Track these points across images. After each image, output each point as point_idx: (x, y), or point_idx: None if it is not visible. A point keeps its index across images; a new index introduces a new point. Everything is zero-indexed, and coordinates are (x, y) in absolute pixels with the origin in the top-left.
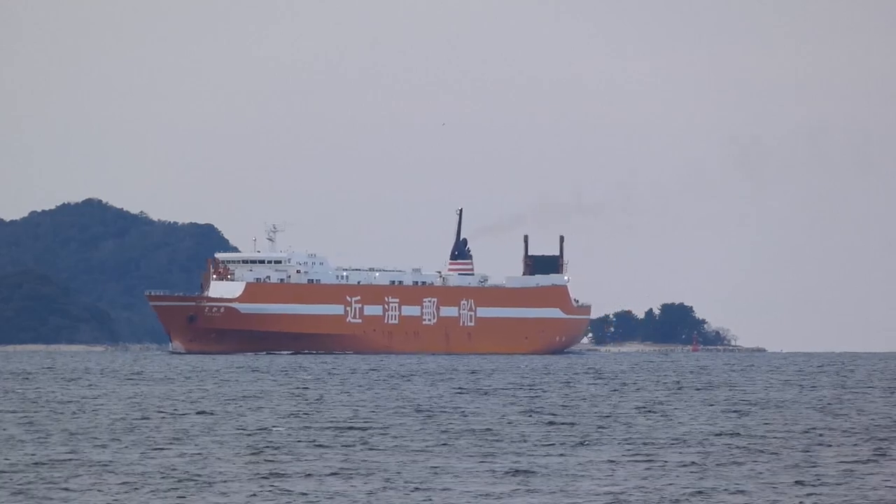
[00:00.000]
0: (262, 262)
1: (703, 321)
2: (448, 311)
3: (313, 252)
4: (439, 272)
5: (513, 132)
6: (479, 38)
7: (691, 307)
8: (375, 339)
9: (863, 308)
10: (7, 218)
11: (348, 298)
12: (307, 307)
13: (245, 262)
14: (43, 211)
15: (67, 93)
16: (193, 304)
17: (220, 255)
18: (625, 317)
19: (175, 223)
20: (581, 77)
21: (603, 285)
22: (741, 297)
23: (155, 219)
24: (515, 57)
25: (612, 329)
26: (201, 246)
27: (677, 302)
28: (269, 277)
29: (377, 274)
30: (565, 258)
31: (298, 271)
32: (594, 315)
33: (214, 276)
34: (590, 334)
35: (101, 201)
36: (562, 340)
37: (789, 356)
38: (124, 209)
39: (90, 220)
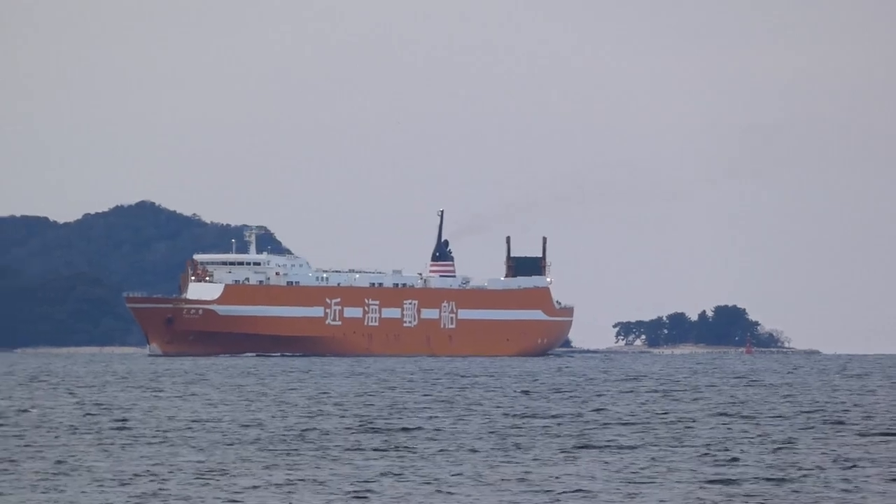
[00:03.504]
0: (241, 263)
1: (757, 323)
2: (429, 314)
3: (292, 254)
4: (420, 274)
5: (498, 130)
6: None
7: (744, 309)
8: (355, 342)
9: None
10: (61, 220)
11: (328, 300)
12: (286, 309)
13: (224, 263)
14: (96, 213)
15: (121, 95)
16: (171, 305)
17: (198, 257)
18: (678, 318)
19: (228, 225)
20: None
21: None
22: (795, 299)
23: (208, 221)
24: (499, 52)
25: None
26: (259, 249)
27: (731, 304)
28: (248, 279)
29: (357, 276)
30: (548, 260)
31: (278, 273)
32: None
33: (193, 278)
34: (643, 336)
35: (154, 203)
36: (544, 343)
37: (847, 358)
38: (177, 211)
39: (143, 223)
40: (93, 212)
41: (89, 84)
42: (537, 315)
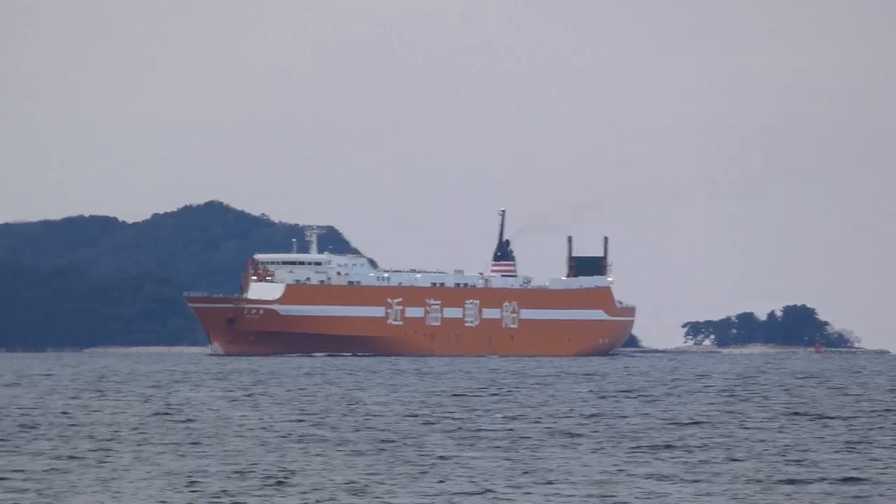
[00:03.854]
0: (301, 263)
1: (826, 323)
2: (490, 314)
3: (360, 254)
4: (482, 274)
5: (560, 130)
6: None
7: (814, 309)
8: (417, 342)
9: None
10: (129, 220)
11: (389, 300)
12: (347, 309)
13: (285, 263)
14: (165, 213)
15: (190, 96)
16: (232, 305)
17: (259, 257)
18: (746, 318)
19: (296, 225)
20: (630, 73)
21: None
22: (865, 298)
23: (276, 221)
24: (561, 52)
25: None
26: (323, 248)
27: (800, 304)
28: (309, 279)
29: (419, 275)
30: (609, 259)
31: (339, 273)
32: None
33: (254, 278)
34: (711, 336)
35: (222, 203)
36: (605, 342)
37: None
38: (245, 211)
39: (212, 223)
40: (161, 212)
41: (158, 85)
42: (598, 315)
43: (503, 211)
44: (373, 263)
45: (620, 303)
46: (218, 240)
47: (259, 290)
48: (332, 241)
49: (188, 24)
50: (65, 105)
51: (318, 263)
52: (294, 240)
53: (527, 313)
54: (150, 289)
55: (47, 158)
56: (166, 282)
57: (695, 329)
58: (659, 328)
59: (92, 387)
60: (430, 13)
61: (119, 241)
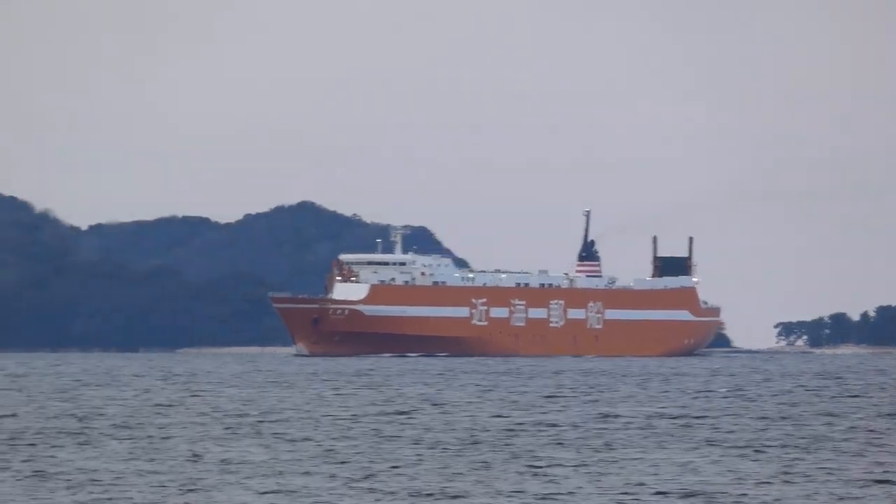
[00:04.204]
0: (386, 263)
1: None
2: (575, 314)
3: (445, 254)
4: (566, 274)
5: (643, 131)
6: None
7: None
8: (501, 342)
9: None
10: (222, 221)
11: (474, 300)
12: (432, 309)
13: (369, 263)
14: (257, 214)
15: (282, 98)
16: (317, 306)
17: (344, 257)
18: (839, 319)
19: (388, 225)
20: (718, 73)
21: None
22: None
23: (368, 221)
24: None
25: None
26: (408, 248)
27: (894, 304)
28: (393, 279)
29: (503, 276)
30: (694, 260)
31: (423, 273)
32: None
33: (339, 278)
34: (804, 336)
35: (314, 204)
36: (690, 343)
37: None
38: (337, 212)
39: (304, 223)
40: (254, 212)
41: (252, 87)
42: (684, 315)
43: (588, 211)
44: (464, 264)
45: (705, 303)
46: (310, 240)
47: (344, 291)
48: (424, 241)
49: (276, 27)
50: (158, 107)
51: (403, 264)
52: (379, 240)
53: (612, 314)
54: (242, 289)
55: (141, 160)
56: (259, 282)
57: (787, 329)
58: (751, 329)
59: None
60: (512, 17)
61: (212, 241)
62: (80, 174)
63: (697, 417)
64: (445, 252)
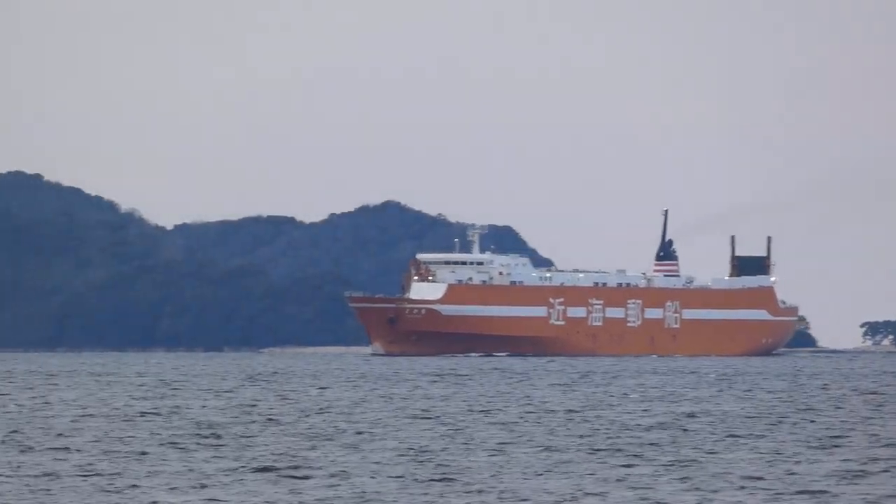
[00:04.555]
0: (464, 263)
1: None
2: (653, 313)
3: (522, 253)
4: (644, 273)
5: (721, 131)
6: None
7: None
8: (579, 342)
9: None
10: (307, 221)
11: (551, 300)
12: (509, 309)
13: (447, 263)
14: (342, 213)
15: (369, 96)
16: (394, 305)
17: (421, 256)
18: None
19: (473, 225)
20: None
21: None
22: None
23: (453, 221)
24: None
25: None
26: (499, 248)
27: None
28: (471, 279)
29: (581, 275)
30: (773, 259)
31: (501, 273)
32: None
33: (416, 278)
34: (890, 336)
35: (399, 203)
36: (768, 342)
37: None
38: (422, 211)
39: (388, 222)
40: (338, 212)
41: (337, 88)
42: (761, 315)
43: (666, 211)
44: (549, 263)
45: (783, 302)
46: (395, 240)
47: (421, 290)
48: (509, 241)
49: (363, 24)
50: (244, 107)
51: (481, 263)
52: (457, 240)
53: (689, 313)
54: (327, 289)
55: (225, 160)
56: (343, 282)
57: (873, 329)
58: (837, 329)
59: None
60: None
61: (296, 241)
62: (165, 174)
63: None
64: (530, 252)
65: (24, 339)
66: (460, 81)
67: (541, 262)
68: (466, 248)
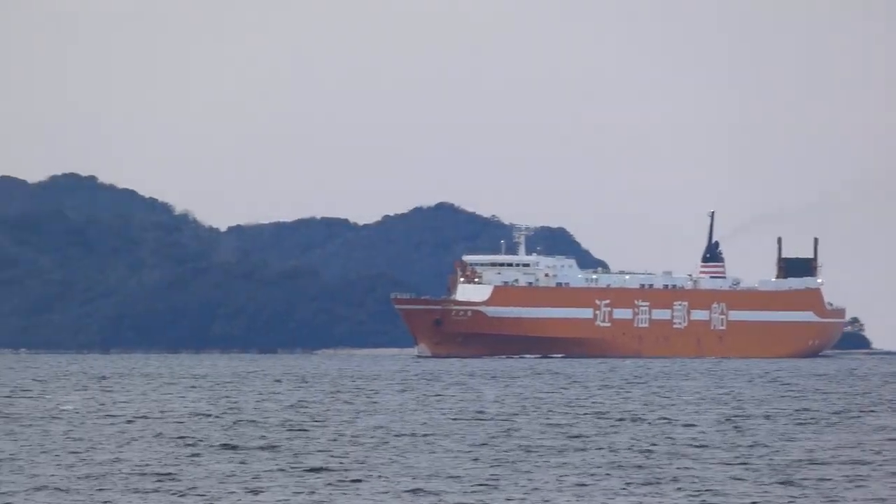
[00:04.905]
0: (509, 265)
1: None
2: (699, 315)
3: (568, 255)
4: (690, 275)
5: (768, 132)
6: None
7: None
8: (625, 343)
9: None
10: (361, 222)
11: (597, 302)
12: (555, 311)
13: (493, 265)
14: (396, 215)
15: (419, 100)
16: (440, 307)
17: (467, 258)
18: None
19: (527, 227)
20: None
21: None
22: None
23: (507, 222)
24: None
25: None
26: (553, 250)
27: None
28: (517, 281)
29: (627, 277)
30: (820, 260)
31: (547, 275)
32: None
33: (462, 279)
34: None
35: (453, 205)
36: (815, 344)
37: None
38: (476, 213)
39: (442, 224)
40: (392, 213)
41: (388, 90)
42: (808, 317)
43: (712, 212)
44: (602, 265)
45: (830, 304)
46: (448, 241)
47: (466, 292)
48: (563, 242)
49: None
50: (299, 108)
51: (527, 265)
52: (503, 241)
53: (735, 315)
54: (381, 290)
55: (279, 161)
56: (397, 283)
57: None
58: (892, 330)
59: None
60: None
61: (350, 242)
62: (219, 176)
63: None
64: (583, 253)
65: (77, 341)
66: (513, 83)
67: (594, 264)
68: (513, 249)
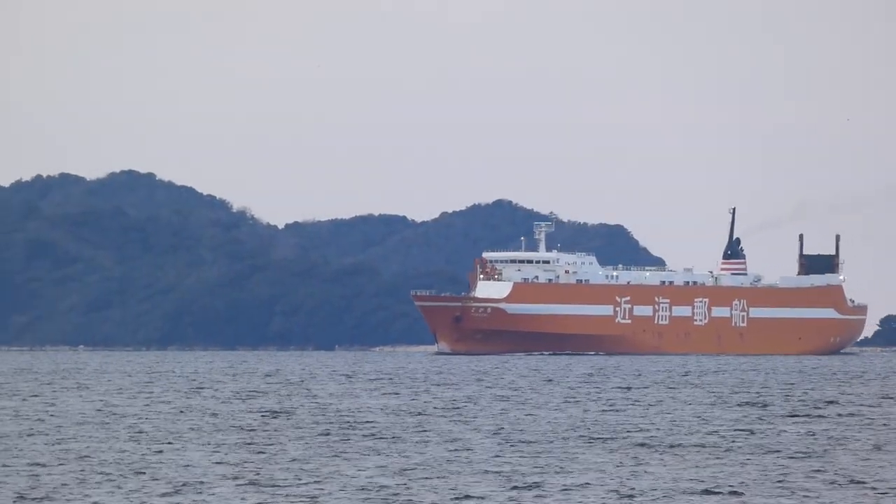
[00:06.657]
0: (530, 262)
1: None
2: (719, 312)
3: (649, 253)
4: (711, 272)
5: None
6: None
7: None
8: (645, 340)
9: None
10: (419, 219)
11: (617, 299)
12: (575, 307)
13: (513, 261)
14: (454, 212)
15: (479, 98)
16: (460, 304)
17: (487, 255)
18: None
19: (585, 224)
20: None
21: None
22: None
23: (564, 219)
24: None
25: None
26: (612, 247)
27: None
28: (537, 277)
29: (647, 274)
30: (841, 257)
31: (567, 271)
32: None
33: (482, 276)
34: None
35: (510, 202)
36: (836, 341)
37: None
38: (534, 209)
39: (500, 221)
40: (450, 210)
41: (448, 90)
42: (829, 313)
43: (734, 209)
44: (661, 262)
45: (852, 301)
46: (506, 239)
47: (486, 289)
48: (621, 240)
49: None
50: (355, 106)
51: (547, 262)
52: (523, 238)
53: (756, 311)
54: (439, 287)
55: (337, 158)
56: (456, 280)
57: None
58: None
59: None
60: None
61: (408, 239)
62: (277, 172)
63: None
64: (641, 251)
65: (135, 337)
66: (571, 81)
67: (652, 261)
68: (533, 245)
